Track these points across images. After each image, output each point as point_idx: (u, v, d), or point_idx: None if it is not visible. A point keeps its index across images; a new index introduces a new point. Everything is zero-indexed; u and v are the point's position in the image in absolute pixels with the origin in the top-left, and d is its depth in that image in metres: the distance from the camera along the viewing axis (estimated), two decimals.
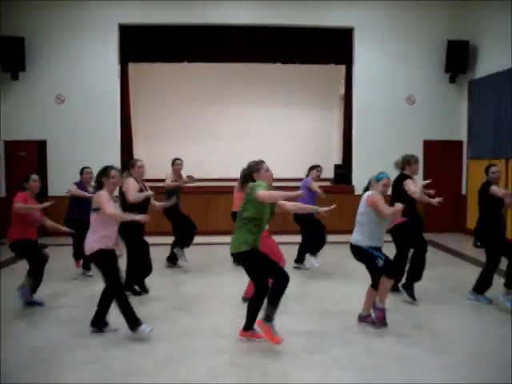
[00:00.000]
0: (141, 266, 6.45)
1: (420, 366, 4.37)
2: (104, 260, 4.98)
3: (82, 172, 7.69)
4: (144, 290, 6.55)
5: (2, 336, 5.01)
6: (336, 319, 5.62)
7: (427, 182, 6.04)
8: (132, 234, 6.21)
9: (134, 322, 4.89)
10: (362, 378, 4.19)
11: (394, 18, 11.62)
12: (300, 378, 4.18)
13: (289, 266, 7.81)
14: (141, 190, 6.37)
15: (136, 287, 6.50)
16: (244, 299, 5.93)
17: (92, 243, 4.99)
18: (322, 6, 11.44)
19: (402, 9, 11.59)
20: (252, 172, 4.92)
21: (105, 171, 5.11)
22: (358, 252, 5.25)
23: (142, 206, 6.25)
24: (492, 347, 4.83)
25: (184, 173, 8.10)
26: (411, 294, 6.20)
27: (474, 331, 5.32)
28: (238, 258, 4.83)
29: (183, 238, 7.96)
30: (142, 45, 11.58)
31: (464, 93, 11.65)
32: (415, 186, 5.96)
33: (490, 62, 10.55)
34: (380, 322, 5.24)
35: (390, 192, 5.73)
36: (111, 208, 4.90)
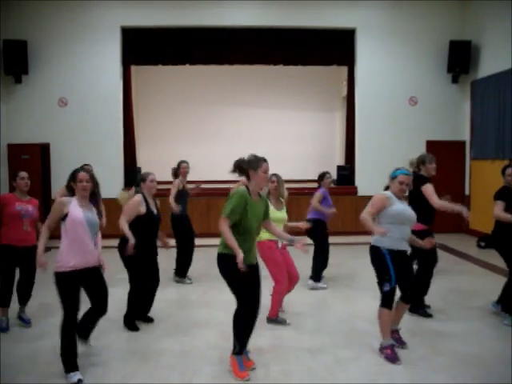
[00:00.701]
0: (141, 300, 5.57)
1: (423, 367, 4.37)
2: (64, 285, 4.14)
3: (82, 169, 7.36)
4: (147, 320, 5.67)
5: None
6: (340, 321, 5.62)
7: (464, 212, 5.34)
8: (136, 260, 5.32)
9: (69, 367, 4.14)
10: (366, 379, 4.19)
11: (395, 19, 11.60)
12: (303, 380, 4.19)
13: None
14: (148, 209, 5.44)
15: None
16: (268, 319, 5.54)
17: (62, 257, 4.17)
18: (324, 7, 11.44)
19: (403, 9, 11.58)
20: (248, 169, 4.30)
21: (72, 175, 4.35)
22: (375, 253, 4.59)
23: (149, 227, 5.47)
24: (493, 348, 4.82)
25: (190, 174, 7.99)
26: (424, 313, 5.76)
27: (476, 332, 5.30)
28: (218, 260, 4.26)
29: (183, 264, 7.58)
30: (145, 47, 11.60)
31: (466, 93, 11.63)
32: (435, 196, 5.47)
33: (493, 61, 10.52)
34: (391, 359, 4.50)
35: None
36: (47, 221, 4.23)
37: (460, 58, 11.25)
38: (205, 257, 8.79)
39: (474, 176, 11.39)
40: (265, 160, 4.33)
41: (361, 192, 11.49)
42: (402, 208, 4.58)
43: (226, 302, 6.33)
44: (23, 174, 5.44)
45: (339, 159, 13.34)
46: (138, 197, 5.42)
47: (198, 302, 6.45)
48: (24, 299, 5.54)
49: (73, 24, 11.18)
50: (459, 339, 5.05)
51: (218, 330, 5.32)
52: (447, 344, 4.92)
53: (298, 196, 9.54)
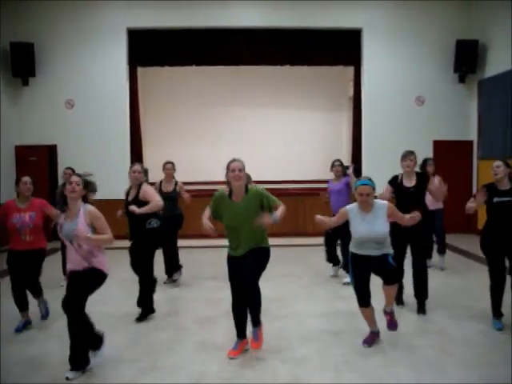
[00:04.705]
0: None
1: (430, 367, 4.36)
2: None
3: None
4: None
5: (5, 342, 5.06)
6: (346, 321, 5.61)
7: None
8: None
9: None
10: (374, 379, 4.18)
11: (402, 19, 11.57)
12: (312, 380, 4.18)
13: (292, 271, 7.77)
14: (127, 198, 5.99)
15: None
16: None
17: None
18: (330, 8, 11.43)
19: (410, 9, 11.55)
20: (226, 173, 4.47)
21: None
22: None
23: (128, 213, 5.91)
24: (494, 348, 4.81)
25: (181, 176, 7.86)
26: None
27: (480, 333, 5.27)
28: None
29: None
30: (151, 49, 11.64)
31: (473, 92, 11.58)
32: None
33: (500, 61, 10.47)
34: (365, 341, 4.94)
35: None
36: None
37: (467, 58, 11.20)
38: (210, 257, 8.81)
39: (481, 176, 11.32)
40: (231, 161, 4.44)
41: None
42: (356, 226, 4.62)
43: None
44: (26, 178, 5.44)
45: (346, 160, 13.27)
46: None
47: (203, 302, 6.44)
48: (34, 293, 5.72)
49: (79, 26, 11.24)
50: (462, 340, 5.03)
51: (225, 330, 5.30)
52: (450, 344, 4.90)
53: (303, 196, 9.52)
